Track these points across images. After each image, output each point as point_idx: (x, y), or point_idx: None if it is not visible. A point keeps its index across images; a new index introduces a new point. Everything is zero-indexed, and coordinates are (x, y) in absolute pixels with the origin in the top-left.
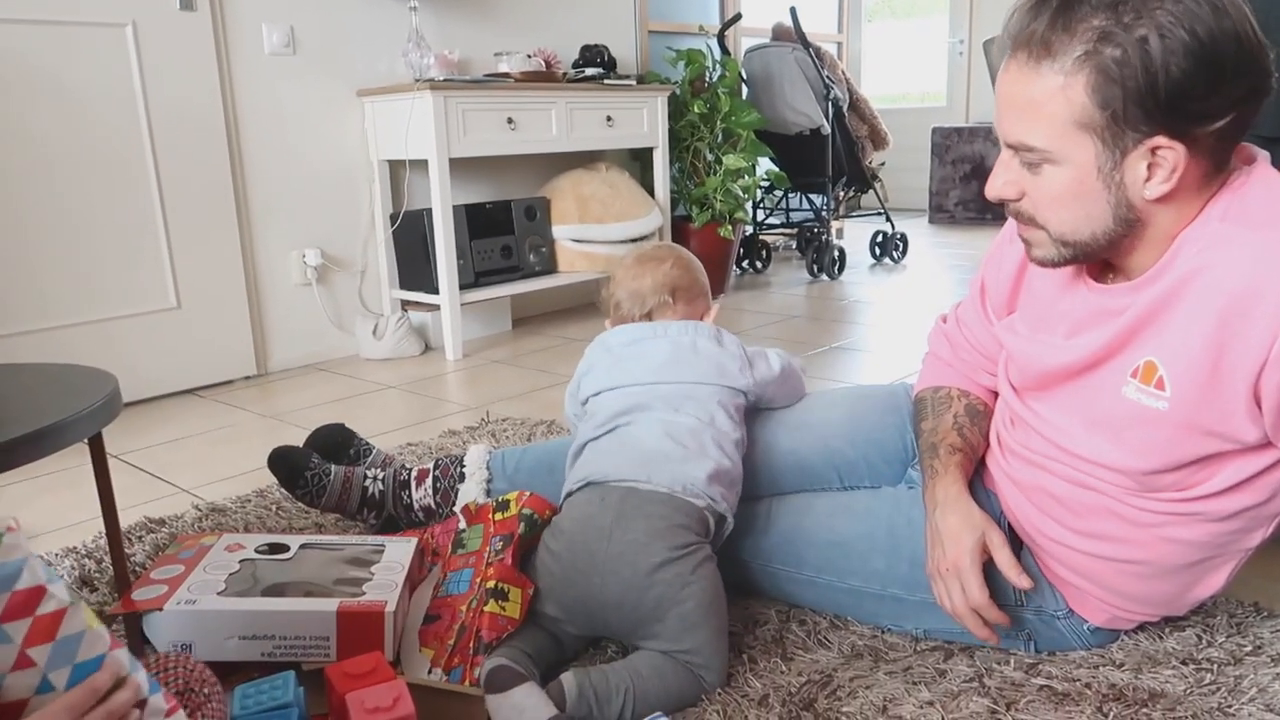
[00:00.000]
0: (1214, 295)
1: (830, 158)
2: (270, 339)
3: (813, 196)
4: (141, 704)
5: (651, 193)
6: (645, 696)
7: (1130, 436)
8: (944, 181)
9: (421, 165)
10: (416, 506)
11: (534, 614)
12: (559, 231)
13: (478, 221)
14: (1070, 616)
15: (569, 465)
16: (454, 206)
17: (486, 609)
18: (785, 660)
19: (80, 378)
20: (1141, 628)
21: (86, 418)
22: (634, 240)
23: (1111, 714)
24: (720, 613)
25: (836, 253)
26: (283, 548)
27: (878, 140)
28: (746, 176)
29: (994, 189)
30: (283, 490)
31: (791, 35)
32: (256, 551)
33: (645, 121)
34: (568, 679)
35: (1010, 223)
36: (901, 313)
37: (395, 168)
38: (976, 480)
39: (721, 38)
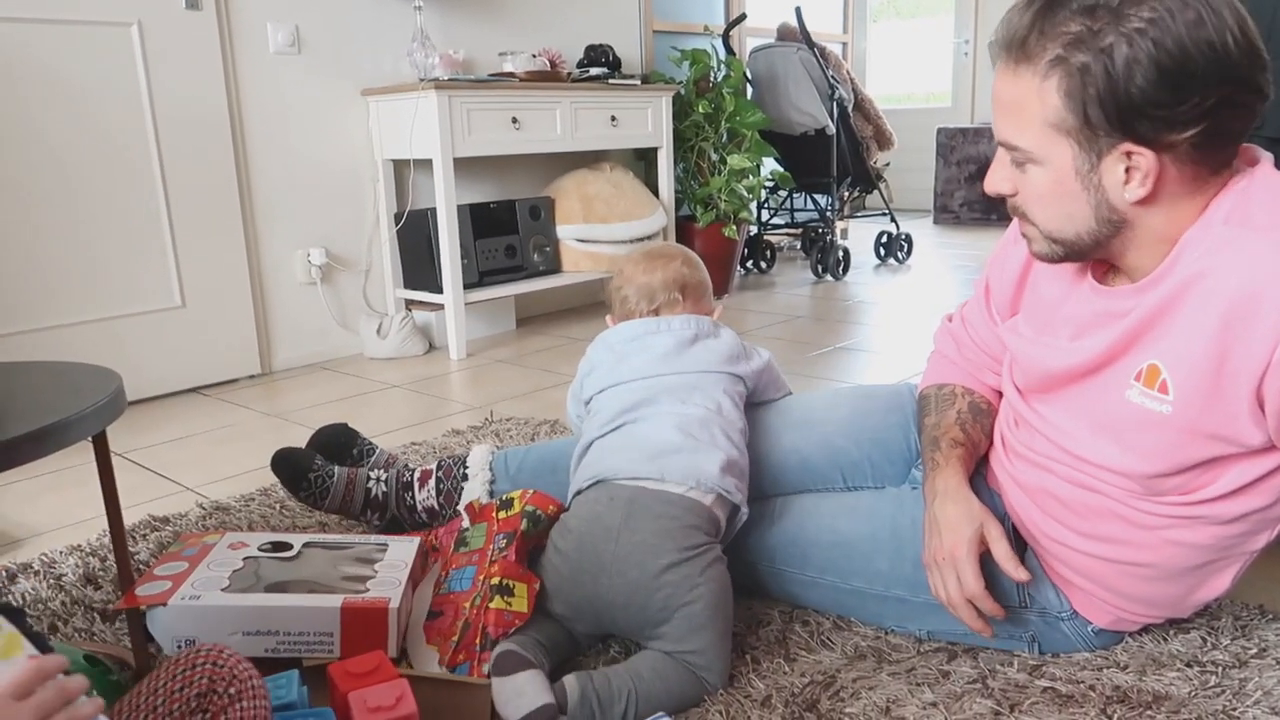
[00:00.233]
0: (1217, 299)
1: (835, 158)
2: (274, 338)
3: (817, 197)
4: None
5: (656, 193)
6: (648, 699)
7: (1134, 440)
8: (949, 182)
9: (426, 165)
10: (420, 508)
11: (544, 611)
12: (563, 231)
13: (482, 221)
14: (1074, 618)
15: (574, 465)
16: (458, 206)
17: (492, 605)
18: (788, 661)
19: (84, 376)
20: (1146, 630)
21: (90, 416)
22: (638, 240)
23: (1115, 716)
24: (726, 615)
25: (841, 253)
26: (286, 546)
27: (882, 140)
28: (751, 176)
29: (990, 184)
30: (286, 492)
31: (796, 35)
32: (260, 550)
33: (650, 121)
34: (570, 682)
35: (1015, 224)
36: (906, 313)
37: (400, 167)
38: (980, 480)
39: (726, 37)
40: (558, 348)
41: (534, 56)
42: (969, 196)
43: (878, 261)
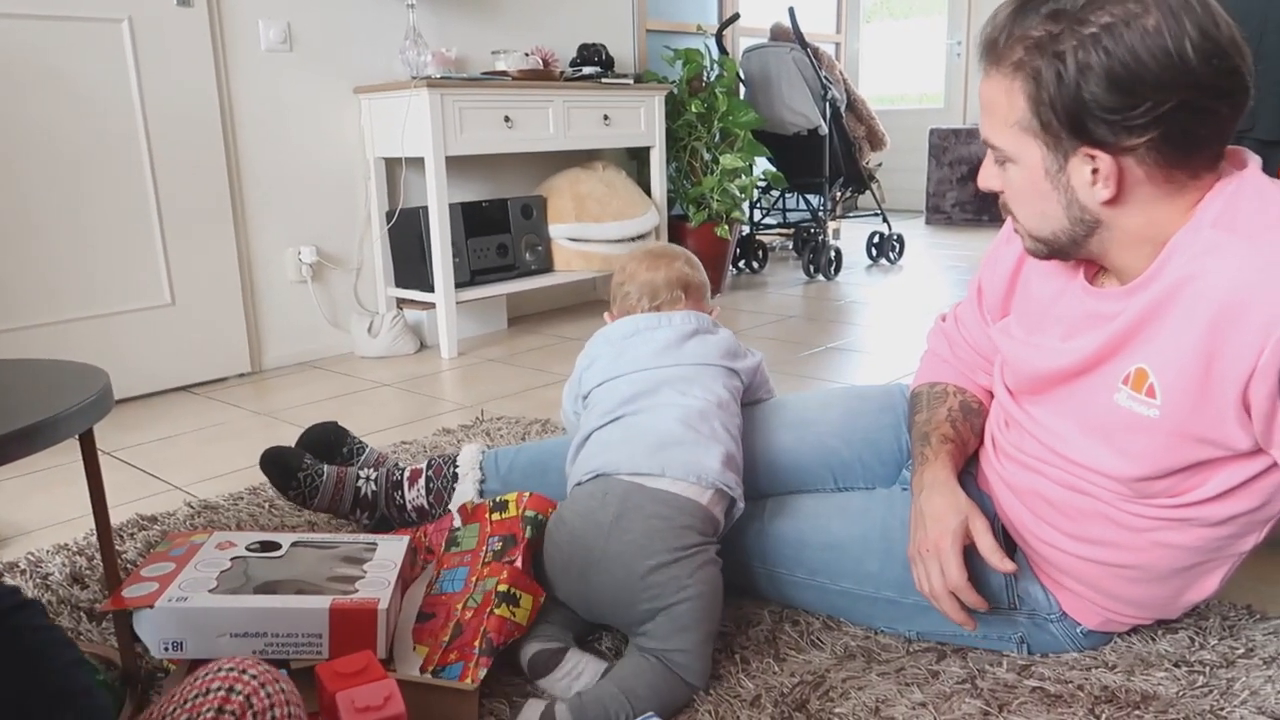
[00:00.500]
0: (1204, 304)
1: (827, 158)
2: (265, 336)
3: (810, 197)
4: None
5: (648, 192)
6: (642, 712)
7: (1122, 443)
8: (941, 183)
9: (418, 163)
10: (409, 507)
11: (550, 595)
12: (555, 230)
13: (474, 220)
14: (1063, 619)
15: (572, 457)
16: (450, 204)
17: (497, 612)
18: (778, 661)
19: (71, 374)
20: (1134, 630)
21: (77, 414)
22: (631, 239)
23: (1104, 716)
24: (714, 617)
25: (833, 253)
26: (274, 545)
27: (875, 141)
28: (743, 176)
29: (982, 179)
30: (275, 490)
31: (789, 35)
32: (248, 549)
33: (642, 120)
34: (561, 711)
35: (1008, 224)
36: (897, 314)
37: (392, 165)
38: (970, 481)
39: (719, 37)
40: (549, 347)
41: (527, 55)
42: (961, 197)
43: (869, 262)
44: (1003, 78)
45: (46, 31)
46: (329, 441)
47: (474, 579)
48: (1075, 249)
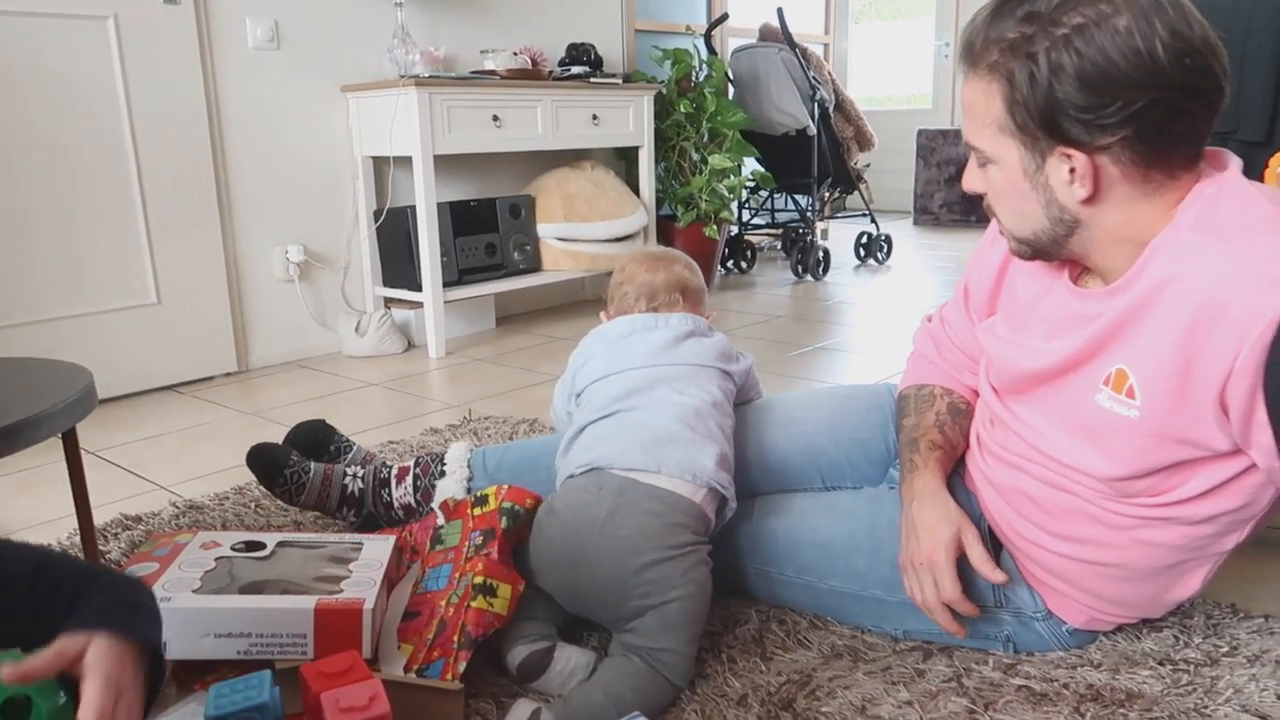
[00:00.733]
0: (1183, 305)
1: (816, 158)
2: (251, 335)
3: (798, 197)
4: None
5: (637, 192)
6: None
7: (1104, 443)
8: (928, 183)
9: (406, 162)
10: (396, 504)
11: (534, 585)
12: (544, 230)
13: (462, 219)
14: (1049, 618)
15: (564, 450)
16: (438, 204)
17: (474, 604)
18: (764, 660)
19: (54, 373)
20: (1119, 629)
21: (59, 413)
22: (619, 239)
23: (1089, 714)
24: (702, 618)
25: (821, 253)
26: (259, 545)
27: (863, 141)
28: (732, 176)
29: (966, 182)
30: (261, 488)
31: (778, 36)
32: (233, 549)
33: (631, 120)
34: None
35: (993, 225)
36: (885, 314)
37: (379, 164)
38: (957, 480)
39: (708, 37)
40: (537, 347)
41: (515, 54)
42: (948, 198)
43: (857, 262)
44: (980, 80)
45: (30, 28)
46: (316, 439)
47: (457, 575)
48: (1057, 249)
